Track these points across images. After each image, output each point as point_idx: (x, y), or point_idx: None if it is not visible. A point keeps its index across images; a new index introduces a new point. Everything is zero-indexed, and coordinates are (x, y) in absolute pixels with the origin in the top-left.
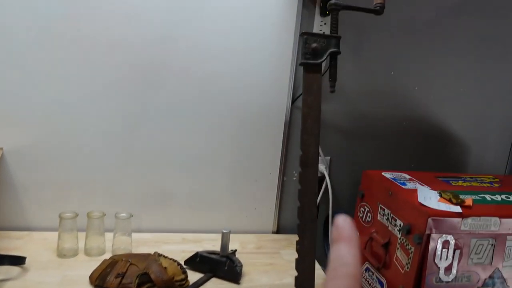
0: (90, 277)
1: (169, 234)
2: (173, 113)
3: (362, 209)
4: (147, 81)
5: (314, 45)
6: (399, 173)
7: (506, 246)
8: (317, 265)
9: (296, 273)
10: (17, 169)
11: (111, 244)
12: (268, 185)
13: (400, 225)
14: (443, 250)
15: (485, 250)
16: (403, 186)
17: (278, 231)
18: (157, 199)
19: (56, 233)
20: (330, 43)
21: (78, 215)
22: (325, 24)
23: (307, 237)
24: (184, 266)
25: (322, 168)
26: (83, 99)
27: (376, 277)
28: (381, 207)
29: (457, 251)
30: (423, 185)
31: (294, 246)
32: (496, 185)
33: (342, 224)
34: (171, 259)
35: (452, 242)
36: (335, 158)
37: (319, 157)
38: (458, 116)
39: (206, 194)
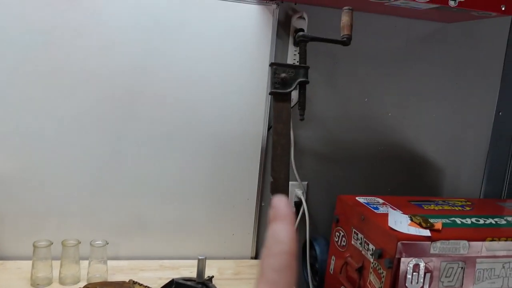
0: None
1: (146, 261)
2: (150, 141)
3: (337, 233)
4: (123, 110)
5: (283, 75)
6: (373, 197)
7: (476, 269)
8: None
9: None
10: None
11: (86, 272)
12: (246, 211)
13: (372, 249)
14: (414, 273)
15: (455, 273)
16: (375, 211)
17: (257, 256)
18: (134, 226)
19: (30, 262)
20: (299, 73)
21: (52, 243)
22: (298, 53)
23: None
24: None
25: (299, 193)
26: (58, 128)
27: None
28: (354, 231)
29: (428, 275)
30: (395, 209)
31: None
32: (468, 208)
33: (278, 203)
34: (146, 286)
35: (422, 265)
36: (312, 183)
37: (296, 182)
38: (432, 141)
39: (183, 220)
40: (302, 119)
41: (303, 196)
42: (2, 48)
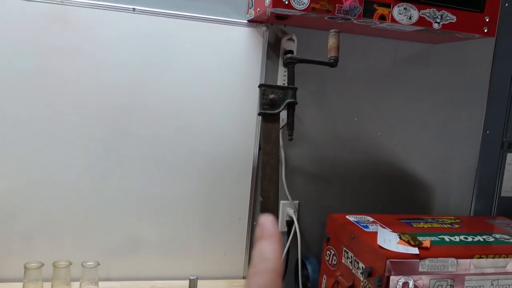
0: None
1: (138, 281)
2: (142, 161)
3: (328, 252)
4: (114, 130)
5: (271, 96)
6: (363, 216)
7: (464, 286)
8: None
9: None
10: None
11: None
12: (237, 230)
13: (362, 267)
14: None
15: None
16: (365, 229)
17: None
18: (126, 246)
19: (21, 284)
20: (287, 94)
21: (43, 264)
22: (287, 74)
23: None
24: None
25: (290, 212)
26: (50, 148)
27: None
28: (345, 250)
29: None
30: (384, 228)
31: None
32: (457, 226)
33: (265, 222)
34: None
35: (411, 283)
36: (304, 202)
37: (288, 201)
38: (421, 159)
39: (175, 240)
40: (290, 139)
41: (295, 215)
42: None
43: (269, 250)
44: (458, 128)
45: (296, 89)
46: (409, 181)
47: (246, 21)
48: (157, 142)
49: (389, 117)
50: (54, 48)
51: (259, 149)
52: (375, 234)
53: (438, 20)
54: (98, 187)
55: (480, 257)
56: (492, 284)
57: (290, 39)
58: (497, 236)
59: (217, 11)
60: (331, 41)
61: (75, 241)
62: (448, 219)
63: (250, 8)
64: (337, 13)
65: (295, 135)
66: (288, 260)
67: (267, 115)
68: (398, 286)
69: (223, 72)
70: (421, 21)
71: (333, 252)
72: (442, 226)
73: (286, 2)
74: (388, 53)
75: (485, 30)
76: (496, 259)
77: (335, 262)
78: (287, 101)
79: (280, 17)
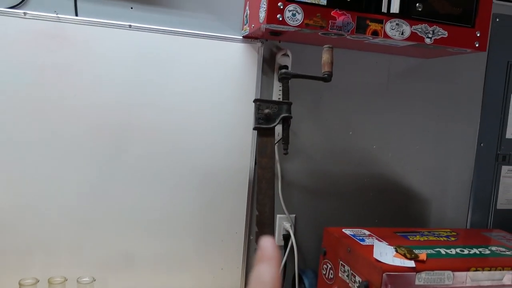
0: None
1: None
2: (138, 176)
3: (324, 266)
4: (109, 145)
5: (266, 110)
6: (359, 229)
7: None
8: None
9: None
10: None
11: None
12: (234, 245)
13: (359, 281)
14: None
15: None
16: (361, 243)
17: None
18: (122, 261)
19: None
20: (282, 108)
21: (38, 281)
22: (281, 89)
23: None
24: None
25: (287, 226)
26: (45, 164)
27: None
28: (341, 263)
29: None
30: (380, 241)
31: None
32: (453, 238)
33: (265, 245)
34: None
35: None
36: (300, 216)
37: (284, 215)
38: (416, 172)
39: (171, 255)
40: (286, 153)
41: (291, 229)
42: None
43: (268, 274)
44: (452, 141)
45: (290, 103)
46: (405, 194)
47: (241, 37)
48: (153, 157)
49: (384, 131)
50: (51, 65)
51: (255, 163)
52: (371, 247)
53: (430, 35)
54: (94, 202)
55: (477, 270)
56: None
57: (285, 55)
58: (493, 248)
59: (212, 28)
60: (325, 56)
61: (71, 257)
62: (444, 232)
63: (245, 25)
64: (330, 29)
65: (291, 149)
66: (285, 274)
67: (262, 129)
68: None
69: (218, 87)
70: (413, 36)
71: (329, 266)
72: (438, 239)
73: (280, 19)
74: (381, 68)
75: (477, 45)
76: (492, 272)
77: (331, 276)
78: (282, 115)
79: (275, 33)
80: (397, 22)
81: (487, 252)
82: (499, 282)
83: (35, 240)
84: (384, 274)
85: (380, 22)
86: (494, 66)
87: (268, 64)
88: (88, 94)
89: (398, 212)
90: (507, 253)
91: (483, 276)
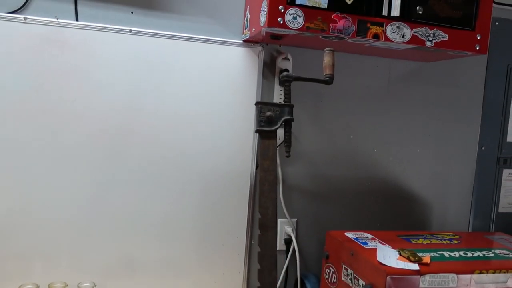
0: None
1: None
2: (139, 180)
3: (327, 270)
4: (111, 150)
5: (268, 113)
6: (362, 232)
7: None
8: None
9: None
10: None
11: None
12: (236, 249)
13: (362, 284)
14: None
15: None
16: (364, 246)
17: None
18: (123, 267)
19: None
20: (284, 111)
21: (39, 287)
22: (283, 92)
23: None
24: None
25: (289, 230)
26: (45, 169)
27: None
28: (344, 267)
29: None
30: (383, 244)
31: None
32: (456, 241)
33: None
34: None
35: None
36: (302, 220)
37: (286, 219)
38: (418, 176)
39: (173, 260)
40: (288, 156)
41: (293, 233)
42: None
43: None
44: (453, 144)
45: (292, 106)
46: (407, 198)
47: (241, 41)
48: (154, 162)
49: (385, 134)
50: (52, 70)
51: (257, 166)
52: (374, 250)
53: (430, 38)
54: (94, 207)
55: (481, 273)
56: None
57: (285, 58)
58: (497, 251)
59: (212, 32)
60: (326, 59)
61: (71, 262)
62: (447, 235)
63: (245, 29)
64: (331, 32)
65: (292, 153)
66: (287, 279)
67: (264, 132)
68: None
69: (219, 91)
70: (414, 39)
71: (332, 270)
72: (441, 242)
73: (281, 22)
74: (382, 71)
75: (477, 48)
76: (496, 275)
77: (334, 280)
78: (284, 118)
79: (275, 37)
80: (397, 25)
81: (491, 255)
82: (503, 285)
83: (36, 246)
84: (388, 277)
85: (381, 25)
86: (494, 70)
87: (268, 68)
88: (88, 99)
89: (400, 215)
90: (511, 256)
91: (487, 278)
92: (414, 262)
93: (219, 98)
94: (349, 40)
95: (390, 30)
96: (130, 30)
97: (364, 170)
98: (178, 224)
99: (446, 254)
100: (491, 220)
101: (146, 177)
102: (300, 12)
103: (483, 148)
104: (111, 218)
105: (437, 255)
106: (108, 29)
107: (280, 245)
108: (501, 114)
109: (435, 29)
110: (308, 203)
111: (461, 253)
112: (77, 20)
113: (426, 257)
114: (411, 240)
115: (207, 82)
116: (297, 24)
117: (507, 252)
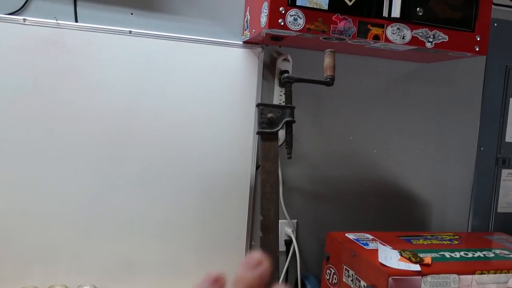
0: None
1: None
2: (139, 182)
3: (328, 271)
4: (111, 150)
5: (269, 115)
6: (362, 233)
7: None
8: None
9: None
10: None
11: None
12: (236, 251)
13: (364, 285)
14: None
15: None
16: (365, 247)
17: None
18: (123, 269)
19: None
20: (285, 112)
21: None
22: (284, 94)
23: None
24: None
25: (289, 231)
26: (44, 171)
27: None
28: (345, 268)
29: None
30: (384, 245)
31: None
32: (456, 242)
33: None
34: None
35: None
36: (302, 221)
37: (286, 221)
38: (417, 176)
39: (173, 262)
40: (289, 157)
41: (293, 234)
42: None
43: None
44: (452, 145)
45: (293, 107)
46: (406, 198)
47: (241, 43)
48: (154, 163)
49: (384, 135)
50: (51, 71)
51: (257, 168)
52: (375, 251)
53: (430, 40)
54: (94, 209)
55: (482, 273)
56: None
57: (286, 60)
58: (497, 251)
59: (212, 33)
60: (327, 60)
61: (71, 265)
62: (447, 235)
63: (245, 30)
64: (331, 33)
65: (292, 154)
66: (287, 280)
67: (266, 133)
68: None
69: (219, 92)
70: (414, 40)
71: (333, 271)
72: (441, 242)
73: (282, 23)
74: (382, 72)
75: (477, 49)
76: (497, 275)
77: (335, 281)
78: (285, 119)
79: (275, 38)
80: (398, 26)
81: (491, 255)
82: (504, 285)
83: (35, 248)
84: (390, 278)
85: (381, 26)
86: (493, 71)
87: (268, 69)
88: (88, 100)
89: (399, 216)
90: (511, 256)
91: (489, 279)
92: (415, 263)
93: (219, 99)
94: (349, 42)
95: (390, 31)
96: (130, 32)
97: (363, 171)
98: (178, 225)
99: (447, 254)
100: (490, 220)
101: (146, 178)
102: (300, 14)
103: (482, 148)
104: (110, 219)
105: (438, 255)
106: (107, 30)
107: (280, 246)
108: (500, 114)
109: (435, 30)
110: (308, 204)
111: (462, 253)
112: (76, 21)
113: (428, 258)
114: (412, 240)
115: (207, 83)
116: (298, 25)
117: (508, 252)
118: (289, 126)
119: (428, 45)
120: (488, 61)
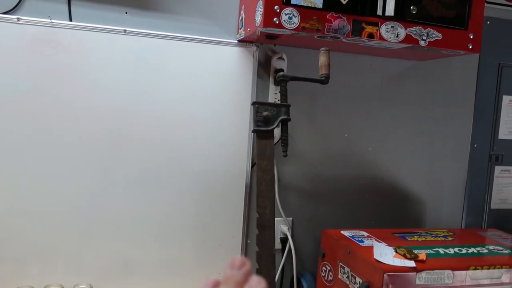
0: None
1: None
2: (136, 182)
3: (323, 268)
4: (107, 150)
5: (265, 113)
6: (357, 230)
7: None
8: None
9: None
10: None
11: None
12: (232, 249)
13: (359, 282)
14: None
15: None
16: (360, 244)
17: None
18: (120, 268)
19: None
20: (281, 111)
21: None
22: (279, 92)
23: None
24: None
25: (284, 229)
26: (41, 171)
27: None
28: (341, 265)
29: None
30: (379, 242)
31: None
32: (450, 238)
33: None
34: None
35: None
36: (297, 219)
37: (281, 218)
38: (411, 174)
39: (170, 261)
40: (285, 155)
41: (289, 232)
42: None
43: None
44: (446, 142)
45: (289, 106)
46: (401, 196)
47: (236, 41)
48: (150, 163)
49: (379, 133)
50: (45, 71)
51: (252, 166)
52: (371, 248)
53: (424, 38)
54: (91, 209)
55: (476, 269)
56: None
57: (280, 58)
58: (491, 247)
59: (207, 32)
60: (322, 59)
61: (68, 264)
62: (441, 232)
63: (240, 29)
64: (326, 32)
65: (287, 152)
66: (283, 277)
67: (261, 132)
68: None
69: (214, 91)
70: (408, 38)
71: (329, 268)
72: (435, 239)
73: (277, 22)
74: (376, 71)
75: (470, 47)
76: (491, 270)
77: (331, 278)
78: (280, 118)
79: (270, 37)
80: (392, 24)
81: (485, 251)
82: (497, 281)
83: (32, 247)
84: (385, 275)
85: (376, 24)
86: (486, 68)
87: (263, 68)
88: (83, 99)
89: (394, 213)
90: (504, 251)
91: (482, 274)
92: (410, 259)
93: (213, 98)
94: (344, 40)
95: (384, 29)
96: (125, 31)
97: (358, 169)
98: (175, 224)
99: (441, 251)
100: (483, 216)
101: (142, 177)
102: (295, 12)
103: (475, 145)
104: (108, 219)
105: (433, 252)
106: (102, 29)
107: (276, 244)
108: (493, 112)
109: (429, 28)
110: (303, 202)
111: (456, 249)
112: (70, 20)
113: (422, 254)
114: (407, 237)
115: (202, 82)
116: (293, 24)
117: (501, 248)
118: (284, 124)
119: (422, 43)
120: (481, 59)
